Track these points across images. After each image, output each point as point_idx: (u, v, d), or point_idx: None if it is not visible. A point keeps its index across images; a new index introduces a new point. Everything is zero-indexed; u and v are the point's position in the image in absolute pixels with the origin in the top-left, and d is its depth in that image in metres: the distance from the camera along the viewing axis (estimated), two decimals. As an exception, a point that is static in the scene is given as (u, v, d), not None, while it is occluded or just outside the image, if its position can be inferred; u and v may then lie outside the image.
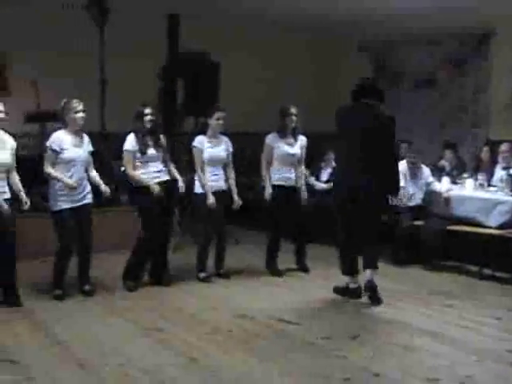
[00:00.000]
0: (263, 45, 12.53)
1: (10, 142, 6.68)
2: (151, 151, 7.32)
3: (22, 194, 6.73)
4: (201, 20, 10.95)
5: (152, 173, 7.32)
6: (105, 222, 8.37)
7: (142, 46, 10.63)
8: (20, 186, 6.76)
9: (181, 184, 7.51)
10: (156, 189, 7.19)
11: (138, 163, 7.30)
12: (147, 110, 7.33)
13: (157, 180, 7.31)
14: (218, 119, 7.72)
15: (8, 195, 6.64)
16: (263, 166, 8.10)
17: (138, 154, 7.28)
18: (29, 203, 6.75)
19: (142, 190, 7.26)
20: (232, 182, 7.95)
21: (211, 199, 7.61)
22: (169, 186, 7.43)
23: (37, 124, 10.04)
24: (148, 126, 7.31)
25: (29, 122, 9.91)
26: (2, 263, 6.70)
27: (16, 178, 6.76)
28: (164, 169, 7.44)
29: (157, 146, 7.36)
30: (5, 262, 6.70)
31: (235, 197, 7.93)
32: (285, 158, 8.01)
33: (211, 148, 7.75)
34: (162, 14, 10.73)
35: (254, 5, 10.77)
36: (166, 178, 7.44)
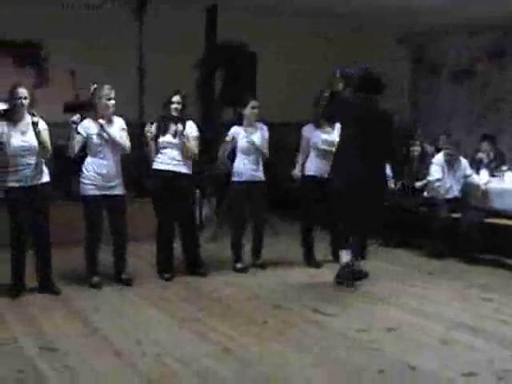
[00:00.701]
0: (300, 35, 12.47)
1: (41, 125, 6.69)
2: (167, 138, 7.33)
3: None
4: (238, 11, 10.94)
5: (167, 159, 7.34)
6: (142, 211, 8.41)
7: (181, 36, 10.64)
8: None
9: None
10: (154, 182, 7.41)
11: (159, 148, 7.37)
12: (175, 98, 7.35)
13: (165, 167, 7.33)
14: (252, 108, 7.73)
15: (47, 178, 6.73)
16: (299, 156, 8.09)
17: (155, 139, 7.35)
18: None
19: (154, 176, 7.35)
20: (260, 169, 7.92)
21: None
22: (177, 177, 7.37)
23: (75, 114, 10.12)
24: (174, 113, 7.33)
25: (67, 111, 9.98)
26: (39, 250, 6.78)
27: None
28: (180, 159, 7.39)
29: (177, 134, 7.35)
30: (41, 249, 6.78)
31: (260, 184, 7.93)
32: (322, 147, 7.96)
33: (247, 137, 7.75)
34: (201, 4, 10.72)
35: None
36: (177, 169, 7.39)
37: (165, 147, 7.34)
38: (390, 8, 11.17)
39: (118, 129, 7.02)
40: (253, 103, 7.74)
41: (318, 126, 8.00)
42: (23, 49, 10.75)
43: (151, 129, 7.31)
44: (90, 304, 6.47)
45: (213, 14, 10.89)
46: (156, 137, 7.32)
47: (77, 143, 6.86)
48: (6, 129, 6.51)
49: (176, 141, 7.32)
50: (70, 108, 9.93)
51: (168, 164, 7.33)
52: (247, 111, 7.74)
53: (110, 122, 6.99)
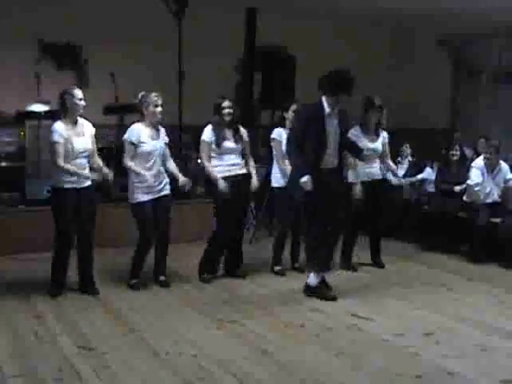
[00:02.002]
0: (339, 38, 12.47)
1: (90, 129, 6.80)
2: (228, 144, 7.33)
3: (105, 169, 6.90)
4: (277, 13, 10.95)
5: (226, 165, 7.33)
6: (181, 214, 8.44)
7: (220, 39, 10.69)
8: (102, 164, 6.94)
9: (254, 183, 7.52)
10: (221, 185, 7.20)
11: (213, 155, 7.33)
12: (225, 103, 7.34)
13: (230, 173, 7.34)
14: (293, 111, 7.70)
15: (90, 181, 6.81)
16: (349, 161, 8.03)
17: (214, 146, 7.31)
18: (112, 175, 6.91)
19: (215, 181, 7.31)
20: None
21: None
22: (242, 180, 7.43)
23: (115, 116, 10.21)
24: (226, 118, 7.32)
25: (107, 113, 10.07)
26: (82, 252, 6.85)
27: (100, 162, 6.92)
28: (240, 162, 7.45)
29: (235, 138, 7.38)
30: (84, 251, 6.85)
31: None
32: (367, 153, 7.91)
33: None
34: (240, 7, 10.74)
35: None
36: (241, 172, 7.44)
37: (226, 153, 7.35)
38: (430, 10, 11.10)
39: (163, 139, 7.10)
40: (295, 107, 7.72)
41: (365, 130, 7.95)
42: (64, 51, 10.87)
43: (210, 136, 7.31)
44: (128, 305, 6.52)
45: (252, 17, 10.91)
46: (217, 144, 7.34)
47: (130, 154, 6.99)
48: (66, 132, 6.59)
49: (237, 146, 7.35)
50: (110, 110, 10.03)
51: (231, 170, 7.35)
52: (290, 114, 7.72)
53: (156, 129, 7.04)
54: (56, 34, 10.45)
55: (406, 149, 10.57)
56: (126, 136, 6.98)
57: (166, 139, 7.18)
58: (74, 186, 6.61)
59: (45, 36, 10.54)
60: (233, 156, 7.38)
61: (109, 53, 10.45)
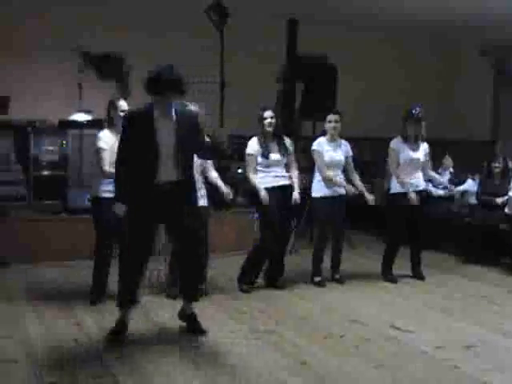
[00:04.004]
0: (380, 48, 12.45)
1: None
2: (274, 156, 7.37)
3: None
4: (319, 24, 10.96)
5: (272, 177, 7.37)
6: (222, 224, 8.46)
7: (261, 49, 10.72)
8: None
9: (295, 195, 7.48)
10: (264, 198, 7.22)
11: (259, 168, 7.36)
12: (266, 114, 7.36)
13: (274, 184, 7.35)
14: (329, 122, 7.70)
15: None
16: (392, 171, 8.02)
17: (260, 158, 7.33)
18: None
19: (259, 193, 7.32)
20: (358, 182, 7.88)
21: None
22: (286, 192, 7.42)
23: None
24: (268, 129, 7.34)
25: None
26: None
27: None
28: (286, 174, 7.46)
29: (280, 150, 7.39)
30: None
31: (367, 196, 7.83)
32: (408, 163, 7.90)
33: (331, 151, 7.74)
34: (282, 17, 10.76)
35: (369, 8, 10.72)
36: (286, 183, 7.45)
37: (269, 165, 7.38)
38: (475, 21, 11.04)
39: None
40: (330, 117, 7.72)
41: (406, 142, 7.92)
42: (106, 62, 10.98)
43: (256, 149, 7.34)
44: (168, 313, 6.51)
45: (293, 27, 10.92)
46: (263, 156, 7.35)
47: None
48: (110, 140, 6.65)
49: (282, 158, 7.37)
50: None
51: (276, 181, 7.38)
52: (326, 125, 7.74)
53: None
54: (98, 45, 10.56)
55: (447, 161, 10.49)
56: None
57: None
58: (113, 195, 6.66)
59: (87, 47, 10.66)
60: (278, 168, 7.39)
61: (150, 63, 10.49)
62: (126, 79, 11.17)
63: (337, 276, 7.97)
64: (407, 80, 12.64)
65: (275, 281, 7.62)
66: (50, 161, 10.04)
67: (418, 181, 7.98)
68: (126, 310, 5.81)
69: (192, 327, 5.94)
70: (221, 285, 7.67)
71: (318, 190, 7.76)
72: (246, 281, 7.51)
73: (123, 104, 6.76)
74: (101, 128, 7.00)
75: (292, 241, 9.63)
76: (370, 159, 10.86)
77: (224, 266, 8.13)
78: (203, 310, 6.66)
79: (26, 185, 9.66)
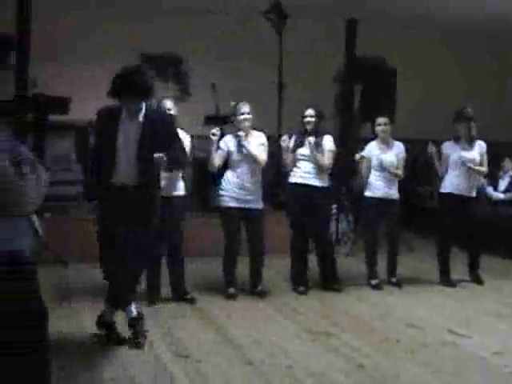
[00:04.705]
0: (442, 49, 12.32)
1: (186, 142, 6.87)
2: (303, 151, 7.37)
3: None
4: (378, 24, 10.90)
5: (300, 172, 7.39)
6: (278, 224, 8.45)
7: (320, 50, 10.70)
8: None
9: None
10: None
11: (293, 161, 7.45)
12: (307, 112, 7.43)
13: (302, 181, 7.37)
14: (379, 125, 7.70)
15: (181, 192, 6.92)
16: (442, 173, 7.93)
17: (291, 153, 7.41)
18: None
19: (289, 190, 7.45)
20: (394, 186, 7.79)
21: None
22: (315, 191, 7.39)
23: (216, 126, 10.29)
24: (307, 126, 7.41)
25: (208, 124, 10.17)
26: (172, 261, 6.93)
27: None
28: (315, 172, 7.42)
29: (312, 147, 7.36)
30: (173, 260, 6.93)
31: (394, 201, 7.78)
32: (459, 164, 7.81)
33: (381, 154, 7.70)
34: (340, 18, 10.73)
35: (426, 8, 10.64)
36: (315, 183, 7.40)
37: (300, 160, 7.39)
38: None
39: (256, 143, 7.11)
40: (379, 120, 7.71)
41: (458, 142, 7.85)
42: (165, 62, 11.07)
43: (286, 141, 7.37)
44: (224, 314, 6.56)
45: (352, 28, 10.88)
46: (293, 150, 7.37)
47: (218, 158, 7.01)
48: None
49: (312, 154, 7.35)
50: (211, 121, 10.13)
51: (303, 177, 7.36)
52: (376, 128, 7.74)
53: (247, 136, 7.09)
54: (158, 47, 10.66)
55: (507, 163, 10.32)
56: (220, 143, 7.14)
57: (262, 141, 7.20)
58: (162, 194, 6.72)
59: (147, 48, 10.76)
60: (308, 164, 7.38)
61: (210, 64, 10.58)
62: (185, 80, 11.25)
63: (393, 279, 7.91)
64: (465, 81, 12.49)
65: (331, 283, 7.60)
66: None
67: (468, 183, 7.86)
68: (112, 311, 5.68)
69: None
70: (278, 285, 7.69)
71: (369, 190, 7.79)
72: (299, 282, 7.51)
73: (169, 104, 6.79)
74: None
75: (349, 243, 9.61)
76: (429, 162, 10.74)
77: (281, 266, 8.12)
78: (260, 310, 6.71)
79: (85, 184, 9.79)
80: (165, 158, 5.37)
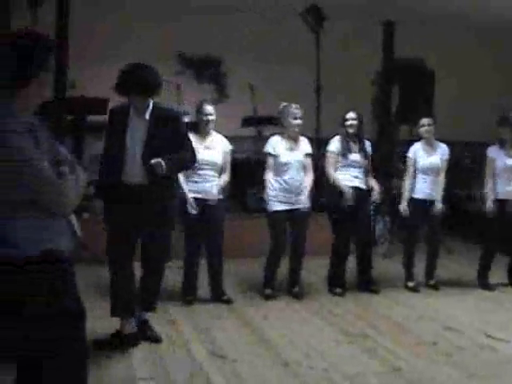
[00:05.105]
0: (481, 51, 12.22)
1: (223, 145, 6.91)
2: (354, 156, 7.35)
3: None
4: (416, 26, 10.84)
5: (350, 177, 7.34)
6: (318, 226, 8.44)
7: (357, 52, 10.67)
8: (221, 183, 6.93)
9: (375, 195, 7.47)
10: (348, 193, 7.20)
11: (338, 165, 7.36)
12: (349, 115, 7.38)
13: (351, 184, 7.32)
14: (422, 126, 7.63)
15: (221, 194, 6.92)
16: (486, 179, 7.84)
17: (340, 158, 7.32)
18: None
19: (336, 193, 7.31)
20: (438, 189, 7.73)
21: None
22: (362, 195, 7.38)
23: (253, 128, 10.32)
24: (349, 130, 7.34)
25: (245, 125, 10.20)
26: (211, 261, 6.96)
27: (222, 181, 6.95)
28: (362, 176, 7.42)
29: (360, 152, 7.35)
30: (213, 260, 6.96)
31: (437, 204, 7.67)
32: (504, 170, 7.72)
33: (426, 156, 7.64)
34: (378, 20, 10.69)
35: (461, 8, 10.57)
36: (362, 186, 7.40)
37: (348, 165, 7.37)
38: None
39: (303, 150, 7.15)
40: (422, 121, 7.65)
41: (503, 147, 7.75)
42: (204, 64, 11.12)
43: (337, 147, 7.33)
44: (260, 314, 6.58)
45: (390, 30, 10.84)
46: (343, 154, 7.34)
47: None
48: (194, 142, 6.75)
49: (362, 160, 7.32)
50: (248, 122, 10.16)
51: (352, 181, 7.35)
52: (419, 129, 7.67)
53: (295, 140, 7.09)
54: (196, 48, 10.70)
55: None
56: (265, 148, 7.12)
57: (308, 150, 7.20)
58: (198, 196, 6.76)
59: (186, 50, 10.81)
60: (356, 169, 7.36)
61: (247, 66, 10.60)
62: (223, 81, 11.29)
63: (431, 282, 7.85)
64: (502, 81, 12.36)
65: (368, 285, 7.57)
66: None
67: None
68: (124, 319, 5.53)
69: (145, 335, 5.68)
70: (315, 287, 7.69)
71: (412, 191, 7.71)
72: (336, 284, 7.49)
73: (208, 108, 6.81)
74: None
75: (386, 244, 9.57)
76: (470, 164, 10.68)
77: (318, 268, 8.11)
78: (296, 311, 6.71)
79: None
80: (163, 163, 5.28)
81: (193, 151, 5.74)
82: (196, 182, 6.78)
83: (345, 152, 7.32)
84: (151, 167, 5.27)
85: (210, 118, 6.81)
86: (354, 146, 7.37)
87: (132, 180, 5.40)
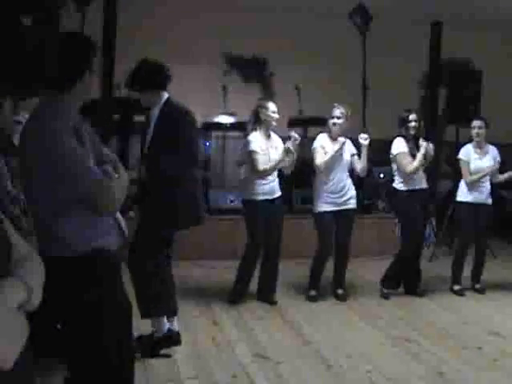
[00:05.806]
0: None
1: (280, 144, 6.94)
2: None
3: None
4: (464, 26, 10.73)
5: (416, 179, 7.29)
6: (363, 228, 8.42)
7: (404, 52, 10.60)
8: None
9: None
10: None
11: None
12: (411, 116, 7.29)
13: (417, 187, 7.28)
14: (473, 128, 7.54)
15: (279, 193, 6.96)
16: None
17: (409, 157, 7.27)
18: None
19: (406, 195, 7.27)
20: (488, 192, 7.63)
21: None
22: (423, 194, 7.36)
23: (299, 128, 10.30)
24: (412, 132, 7.27)
25: (291, 126, 10.18)
26: (267, 261, 6.98)
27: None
28: (424, 176, 7.37)
29: (427, 153, 7.30)
30: (270, 261, 6.99)
31: (488, 207, 7.58)
32: None
33: (477, 159, 7.56)
34: (425, 20, 10.60)
35: (498, 9, 10.46)
36: (425, 186, 7.37)
37: None
38: None
39: (349, 151, 7.16)
40: (473, 123, 7.56)
41: None
42: (250, 64, 11.13)
43: (405, 146, 7.29)
44: (304, 316, 6.59)
45: (437, 31, 10.73)
46: (412, 155, 7.26)
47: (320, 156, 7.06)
48: (262, 143, 6.78)
49: (425, 160, 7.29)
50: (294, 123, 10.14)
51: (419, 183, 7.33)
52: (471, 132, 7.58)
53: (335, 140, 7.06)
54: (243, 48, 10.72)
55: None
56: (313, 144, 7.15)
57: (354, 151, 7.19)
58: (267, 197, 6.78)
59: (232, 50, 10.84)
60: (419, 170, 7.29)
61: (293, 66, 10.58)
62: (270, 82, 11.29)
63: (477, 286, 7.77)
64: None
65: (414, 288, 7.51)
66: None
67: None
68: (169, 319, 5.44)
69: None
70: (360, 290, 7.65)
71: (463, 195, 7.61)
72: (389, 285, 7.44)
73: (273, 105, 6.83)
74: (244, 130, 7.10)
75: (433, 247, 9.50)
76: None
77: (363, 271, 8.10)
78: (341, 314, 6.69)
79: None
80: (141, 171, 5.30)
81: (191, 154, 5.34)
82: (266, 183, 6.84)
83: (414, 152, 7.25)
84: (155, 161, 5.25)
85: (276, 115, 6.84)
86: (415, 148, 7.31)
87: (143, 176, 5.38)
